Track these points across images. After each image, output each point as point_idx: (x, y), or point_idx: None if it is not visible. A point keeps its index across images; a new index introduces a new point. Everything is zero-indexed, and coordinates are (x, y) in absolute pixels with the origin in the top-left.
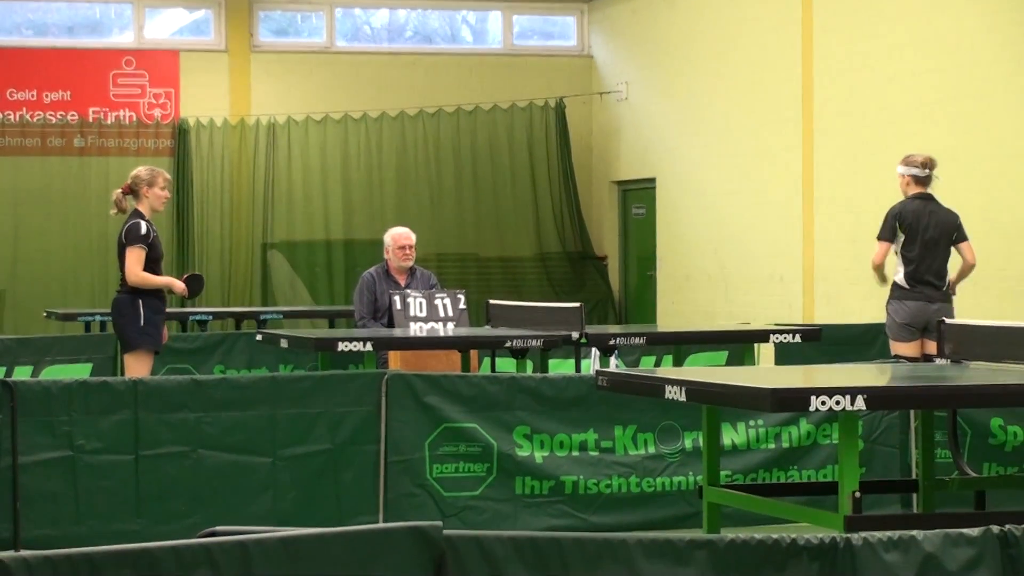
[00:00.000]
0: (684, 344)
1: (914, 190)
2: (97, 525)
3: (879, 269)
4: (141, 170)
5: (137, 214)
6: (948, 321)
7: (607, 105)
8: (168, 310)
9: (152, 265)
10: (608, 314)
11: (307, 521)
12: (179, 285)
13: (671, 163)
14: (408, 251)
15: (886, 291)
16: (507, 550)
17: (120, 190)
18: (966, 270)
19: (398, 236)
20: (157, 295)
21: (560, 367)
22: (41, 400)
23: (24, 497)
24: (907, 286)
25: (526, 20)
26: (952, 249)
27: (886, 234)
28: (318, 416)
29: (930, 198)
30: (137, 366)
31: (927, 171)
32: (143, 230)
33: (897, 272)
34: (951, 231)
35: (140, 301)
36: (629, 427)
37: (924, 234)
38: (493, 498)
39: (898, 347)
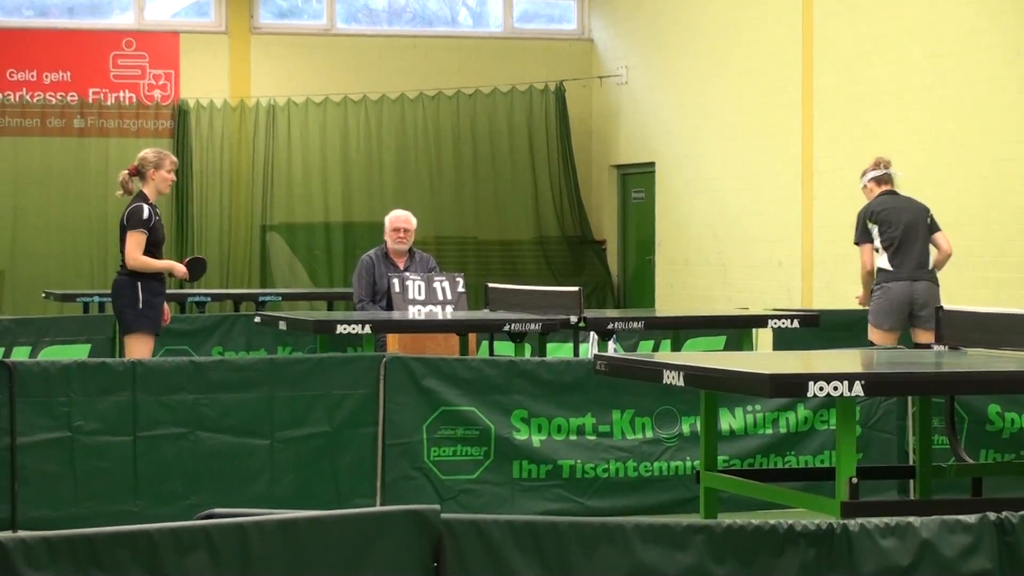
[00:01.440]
0: (682, 329)
1: (879, 190)
2: (95, 506)
3: (871, 275)
4: (148, 152)
5: (141, 197)
6: (946, 307)
7: (607, 89)
8: (168, 291)
9: (153, 249)
10: (607, 298)
11: (305, 503)
12: (180, 269)
13: (671, 147)
14: (403, 234)
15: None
16: (505, 534)
17: (127, 171)
18: (943, 260)
19: (395, 219)
20: (157, 278)
21: (558, 351)
22: (39, 381)
23: (22, 478)
24: (890, 267)
25: (526, 3)
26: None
27: (862, 236)
28: (316, 398)
29: (896, 193)
30: (137, 348)
31: (883, 169)
32: (144, 214)
33: (880, 258)
34: (925, 217)
35: (139, 284)
36: (627, 411)
37: (901, 217)
38: (490, 481)
39: (875, 334)
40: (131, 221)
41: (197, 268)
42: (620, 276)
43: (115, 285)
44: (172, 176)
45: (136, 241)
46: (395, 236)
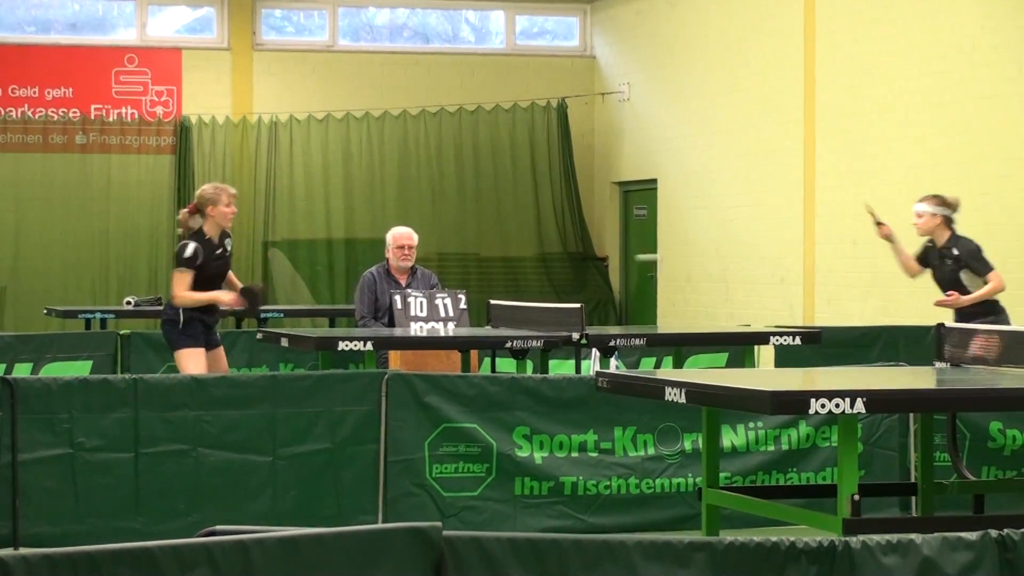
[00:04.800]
0: (684, 345)
1: (946, 231)
2: (97, 523)
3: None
4: (206, 188)
5: (196, 234)
6: (948, 324)
7: (609, 106)
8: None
9: (208, 283)
10: (608, 315)
11: (306, 520)
12: (225, 298)
13: (673, 164)
14: (407, 251)
15: (886, 292)
16: (506, 551)
17: (186, 210)
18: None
19: (398, 236)
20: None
21: (560, 368)
22: (41, 397)
23: (24, 494)
24: (995, 300)
25: (528, 20)
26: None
27: (989, 265)
28: (318, 415)
29: None
30: (184, 362)
31: (957, 212)
32: (188, 251)
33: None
34: None
35: (180, 310)
36: (629, 428)
37: None
38: (492, 498)
39: None
40: (176, 260)
41: (251, 297)
42: (622, 292)
43: (162, 319)
44: (232, 208)
45: (179, 279)
46: (399, 254)
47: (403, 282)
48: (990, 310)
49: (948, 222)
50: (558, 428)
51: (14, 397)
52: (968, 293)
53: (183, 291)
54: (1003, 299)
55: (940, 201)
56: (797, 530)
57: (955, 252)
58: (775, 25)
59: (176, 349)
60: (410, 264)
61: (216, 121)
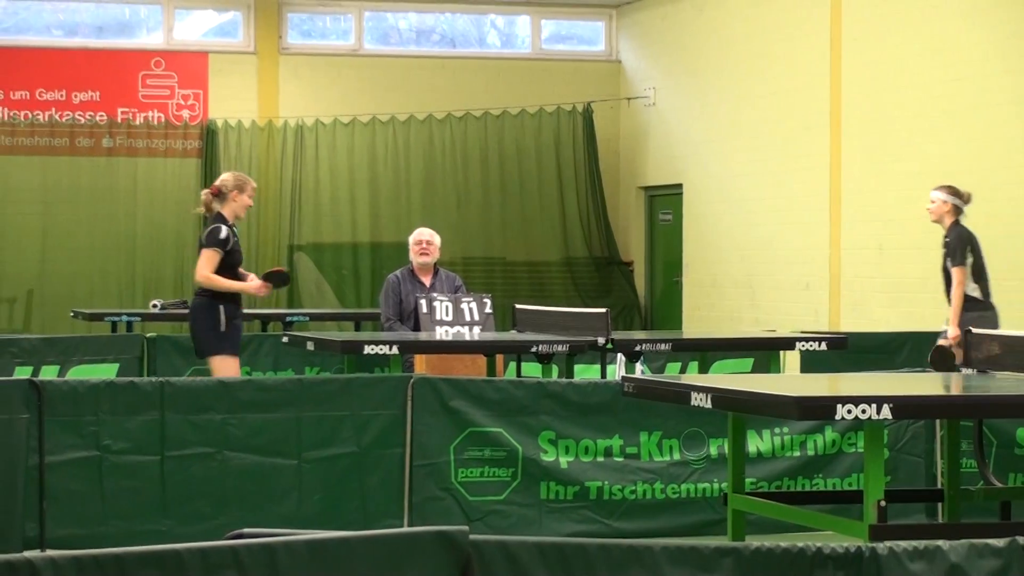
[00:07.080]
0: (710, 351)
1: (952, 219)
2: (123, 525)
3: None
4: (230, 175)
5: (220, 218)
6: (975, 331)
7: (635, 110)
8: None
9: (230, 271)
10: (634, 320)
11: (332, 524)
12: (252, 287)
13: (698, 169)
14: (425, 246)
15: (912, 298)
16: (533, 555)
17: (209, 191)
18: None
19: (417, 234)
20: (234, 299)
21: (586, 372)
22: (68, 400)
23: (50, 497)
24: (981, 297)
25: (554, 24)
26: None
27: (963, 259)
28: (344, 419)
29: None
30: (224, 369)
31: (966, 204)
32: (222, 234)
33: (971, 287)
34: None
35: (220, 307)
36: (654, 433)
37: (981, 252)
38: (518, 503)
39: None
40: (208, 240)
41: (274, 279)
42: (647, 297)
43: (194, 307)
44: (251, 202)
45: (207, 259)
46: (417, 249)
47: (427, 282)
48: (973, 306)
49: (956, 211)
50: (584, 433)
51: (41, 400)
52: (950, 281)
53: (210, 271)
54: (1015, 301)
55: (952, 191)
56: (823, 536)
57: (947, 239)
58: (801, 30)
59: (213, 355)
60: (429, 259)
61: (242, 125)
